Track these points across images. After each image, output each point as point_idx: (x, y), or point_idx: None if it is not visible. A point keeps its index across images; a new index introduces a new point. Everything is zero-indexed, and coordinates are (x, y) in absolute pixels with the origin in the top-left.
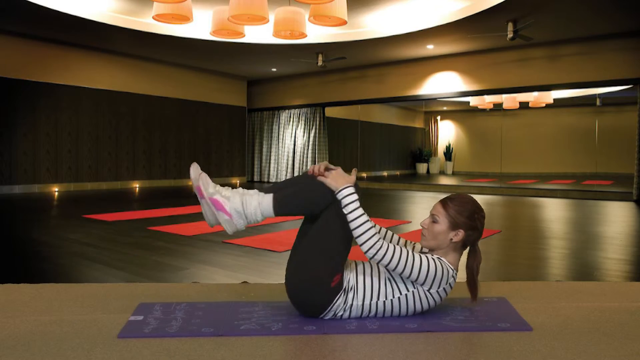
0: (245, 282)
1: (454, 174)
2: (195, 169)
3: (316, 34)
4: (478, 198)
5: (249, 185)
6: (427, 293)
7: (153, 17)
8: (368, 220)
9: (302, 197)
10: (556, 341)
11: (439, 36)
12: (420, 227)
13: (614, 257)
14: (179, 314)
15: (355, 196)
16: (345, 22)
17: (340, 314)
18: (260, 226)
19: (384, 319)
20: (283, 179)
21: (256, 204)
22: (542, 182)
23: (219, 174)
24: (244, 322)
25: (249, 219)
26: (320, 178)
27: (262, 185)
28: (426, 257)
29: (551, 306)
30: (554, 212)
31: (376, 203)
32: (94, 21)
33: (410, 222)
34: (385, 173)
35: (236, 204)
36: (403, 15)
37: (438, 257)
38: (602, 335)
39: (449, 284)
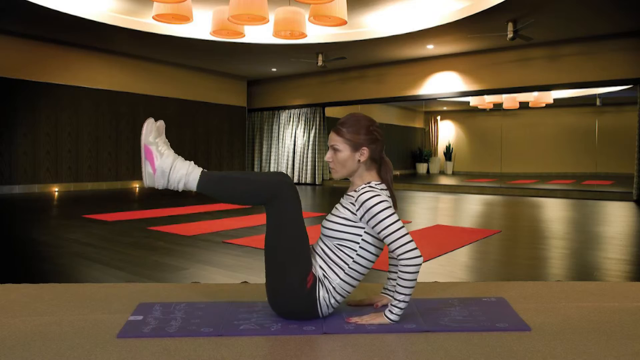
0: (245, 282)
1: (454, 174)
2: (148, 121)
3: (316, 34)
4: (478, 198)
5: None
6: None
7: (153, 17)
8: (411, 290)
9: (230, 185)
10: (556, 341)
11: (439, 36)
12: (327, 163)
13: (614, 257)
14: (179, 314)
15: (399, 309)
16: (345, 22)
17: (332, 302)
18: (260, 226)
19: None
20: None
21: (184, 172)
22: (542, 182)
23: None
24: (244, 322)
25: (170, 184)
26: (370, 326)
27: None
28: (379, 206)
29: (551, 306)
30: (554, 212)
31: None
32: (94, 21)
33: (411, 222)
34: None
35: (165, 164)
36: (403, 15)
37: (367, 187)
38: (602, 335)
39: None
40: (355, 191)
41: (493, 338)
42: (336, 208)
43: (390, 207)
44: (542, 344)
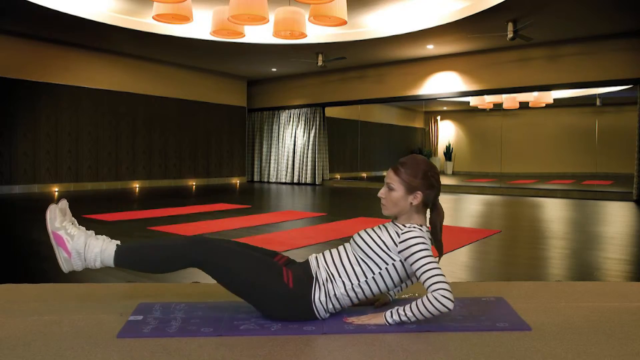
0: None
1: (454, 174)
2: (50, 208)
3: (316, 34)
4: (478, 198)
5: (248, 184)
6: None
7: (153, 17)
8: (423, 319)
9: (146, 254)
10: (556, 341)
11: (439, 36)
12: (380, 198)
13: (614, 257)
14: (179, 314)
15: (401, 320)
16: (345, 22)
17: (330, 307)
18: (260, 226)
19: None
20: (283, 179)
21: (98, 250)
22: (542, 182)
23: (219, 174)
24: (244, 322)
25: (88, 263)
26: (370, 326)
27: (262, 185)
28: (424, 248)
29: (551, 306)
30: (554, 212)
31: (377, 204)
32: (94, 21)
33: None
34: (385, 173)
35: (78, 245)
36: (403, 15)
37: (418, 229)
38: (602, 335)
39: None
40: (404, 225)
41: (493, 338)
42: (379, 228)
43: (430, 252)
44: (542, 344)
